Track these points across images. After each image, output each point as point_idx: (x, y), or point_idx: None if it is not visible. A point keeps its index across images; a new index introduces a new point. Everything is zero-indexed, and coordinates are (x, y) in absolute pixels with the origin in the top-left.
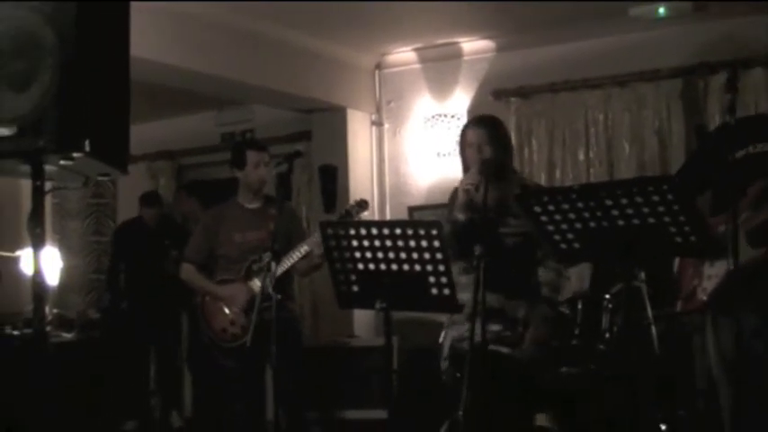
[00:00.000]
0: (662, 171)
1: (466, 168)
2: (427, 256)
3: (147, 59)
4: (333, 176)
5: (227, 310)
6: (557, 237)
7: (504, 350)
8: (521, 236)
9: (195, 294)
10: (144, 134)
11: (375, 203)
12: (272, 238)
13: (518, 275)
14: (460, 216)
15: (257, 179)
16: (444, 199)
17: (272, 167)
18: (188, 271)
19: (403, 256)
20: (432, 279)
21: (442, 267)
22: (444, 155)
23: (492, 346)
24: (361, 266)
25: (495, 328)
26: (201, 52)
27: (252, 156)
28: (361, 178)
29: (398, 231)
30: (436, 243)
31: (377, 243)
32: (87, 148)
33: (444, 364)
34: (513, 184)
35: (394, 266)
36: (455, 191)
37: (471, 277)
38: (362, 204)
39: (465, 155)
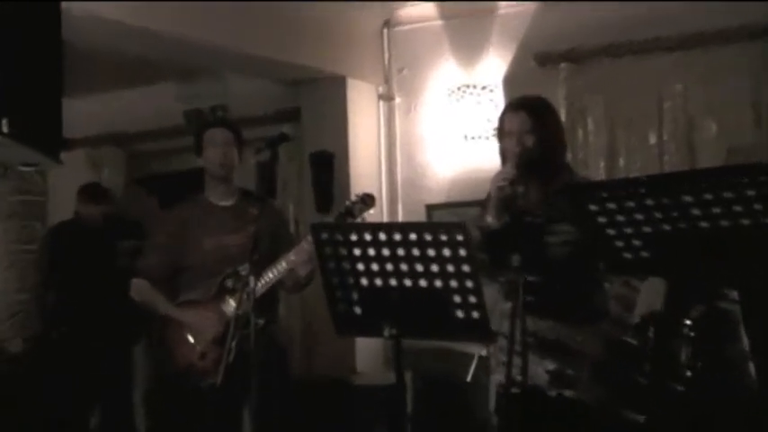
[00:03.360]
0: (759, 157)
1: (503, 162)
2: (451, 268)
3: (87, 16)
4: (328, 166)
5: (193, 340)
6: (619, 243)
7: (568, 393)
8: (574, 245)
9: (153, 319)
10: (84, 112)
11: (383, 200)
12: (251, 246)
13: (575, 295)
14: (493, 220)
15: (218, 162)
16: (473, 195)
17: (249, 155)
18: (141, 289)
19: (419, 268)
20: (456, 298)
21: (469, 283)
22: (473, 138)
23: (550, 391)
24: (365, 281)
25: (551, 366)
26: (159, 7)
27: (210, 134)
28: (366, 168)
29: (413, 236)
30: (462, 252)
31: (386, 251)
32: (5, 129)
33: (493, 420)
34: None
35: (408, 282)
36: (489, 194)
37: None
38: (367, 201)
39: (503, 145)
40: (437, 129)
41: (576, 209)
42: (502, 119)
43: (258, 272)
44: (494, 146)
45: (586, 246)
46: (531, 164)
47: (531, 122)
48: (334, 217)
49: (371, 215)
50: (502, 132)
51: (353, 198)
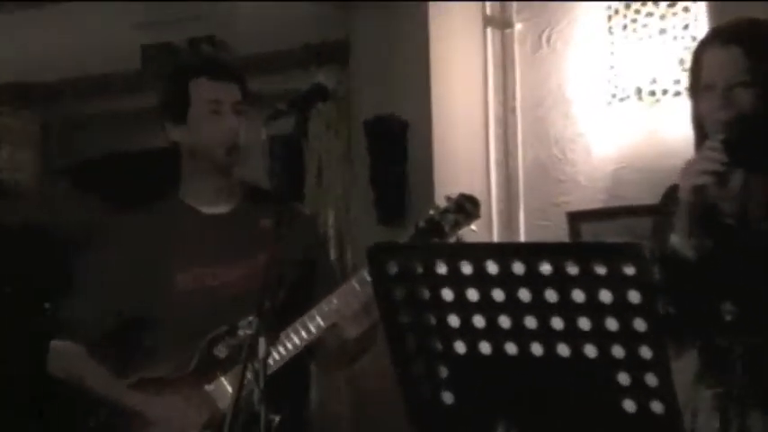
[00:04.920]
0: None
1: (699, 137)
2: (614, 324)
3: None
4: (397, 144)
5: None
6: None
7: None
8: None
9: (91, 409)
10: None
11: (492, 205)
12: (262, 285)
13: None
14: (683, 242)
15: (216, 140)
16: (650, 196)
17: (259, 122)
18: (68, 358)
19: (558, 324)
20: (623, 377)
21: (647, 352)
22: (650, 95)
23: None
24: (461, 347)
25: None
26: None
27: (203, 89)
28: (463, 148)
29: (548, 268)
30: (636, 295)
31: (498, 295)
32: None
33: None
34: None
35: (537, 348)
36: (673, 189)
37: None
38: (466, 207)
39: (698, 107)
40: (587, 79)
41: None
42: (697, 60)
43: (274, 331)
44: (685, 110)
45: None
46: (749, 141)
47: (749, 66)
48: (408, 235)
49: (473, 233)
50: (697, 84)
51: (444, 202)
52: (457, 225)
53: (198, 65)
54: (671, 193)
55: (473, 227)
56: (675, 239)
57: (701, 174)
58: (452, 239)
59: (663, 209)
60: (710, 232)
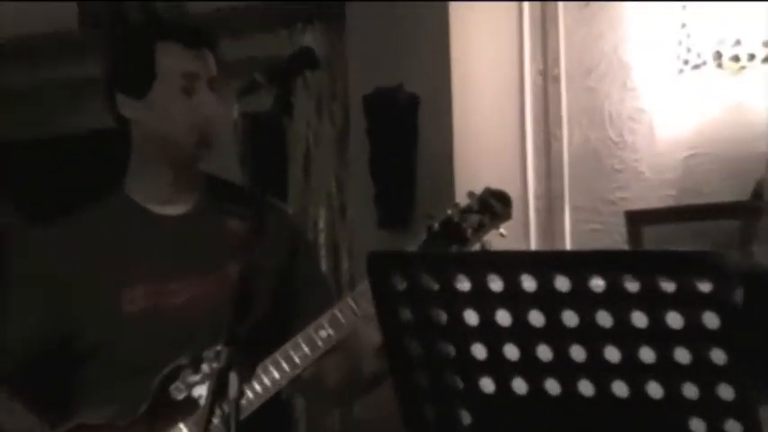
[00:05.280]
0: None
1: None
2: (686, 356)
3: None
4: (407, 125)
5: None
6: None
7: None
8: None
9: None
10: None
11: (530, 201)
12: (233, 304)
13: None
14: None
15: (186, 129)
16: (732, 192)
17: (230, 98)
18: None
19: (613, 356)
20: (698, 425)
21: (729, 391)
22: (736, 60)
23: None
24: (489, 385)
25: None
26: None
27: (174, 58)
28: (491, 130)
29: (600, 285)
30: (714, 320)
31: (537, 318)
32: None
33: None
34: None
35: (586, 385)
36: (763, 183)
37: None
38: (493, 206)
39: None
40: (652, 40)
41: None
42: None
43: (248, 364)
44: None
45: None
46: None
47: None
48: (418, 241)
49: (502, 238)
50: None
51: (466, 200)
52: (481, 228)
53: (166, 26)
54: (761, 187)
55: (502, 230)
56: (761, 249)
57: None
58: (476, 247)
59: (750, 208)
60: None
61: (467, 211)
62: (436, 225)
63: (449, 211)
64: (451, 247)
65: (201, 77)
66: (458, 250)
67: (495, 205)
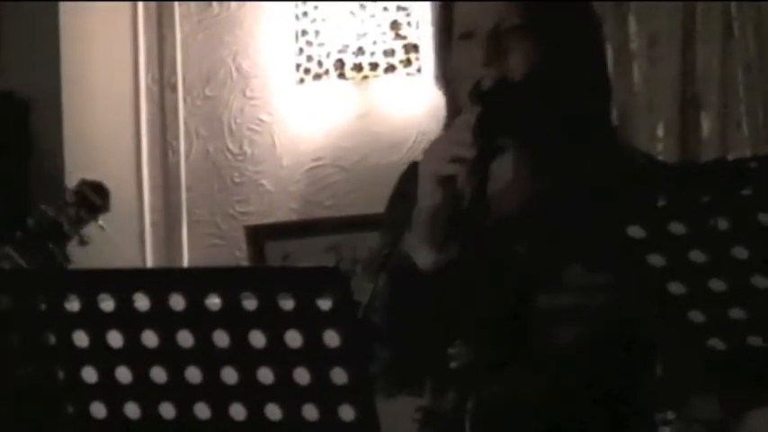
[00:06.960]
0: None
1: (450, 110)
2: (306, 376)
3: None
4: (18, 129)
5: None
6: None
7: None
8: (595, 320)
9: None
10: None
11: (146, 214)
12: None
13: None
14: (426, 251)
15: None
16: (362, 203)
17: None
18: None
19: (230, 377)
20: None
21: (350, 411)
22: (358, 69)
23: None
24: (100, 409)
25: None
26: None
27: None
28: (103, 142)
29: (217, 303)
30: (334, 338)
31: (150, 339)
32: None
33: None
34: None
35: (203, 409)
36: (408, 172)
37: None
38: (85, 195)
39: (447, 67)
40: (272, 48)
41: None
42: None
43: None
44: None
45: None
46: (519, 111)
47: (517, 15)
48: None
49: (117, 253)
50: (445, 37)
51: (71, 195)
52: (80, 222)
53: None
54: (401, 191)
55: (101, 222)
56: (410, 245)
57: (447, 159)
58: (77, 240)
59: (389, 215)
60: (456, 235)
61: (63, 205)
62: (31, 222)
63: (42, 207)
64: (49, 244)
65: None
66: (54, 248)
67: (91, 196)
